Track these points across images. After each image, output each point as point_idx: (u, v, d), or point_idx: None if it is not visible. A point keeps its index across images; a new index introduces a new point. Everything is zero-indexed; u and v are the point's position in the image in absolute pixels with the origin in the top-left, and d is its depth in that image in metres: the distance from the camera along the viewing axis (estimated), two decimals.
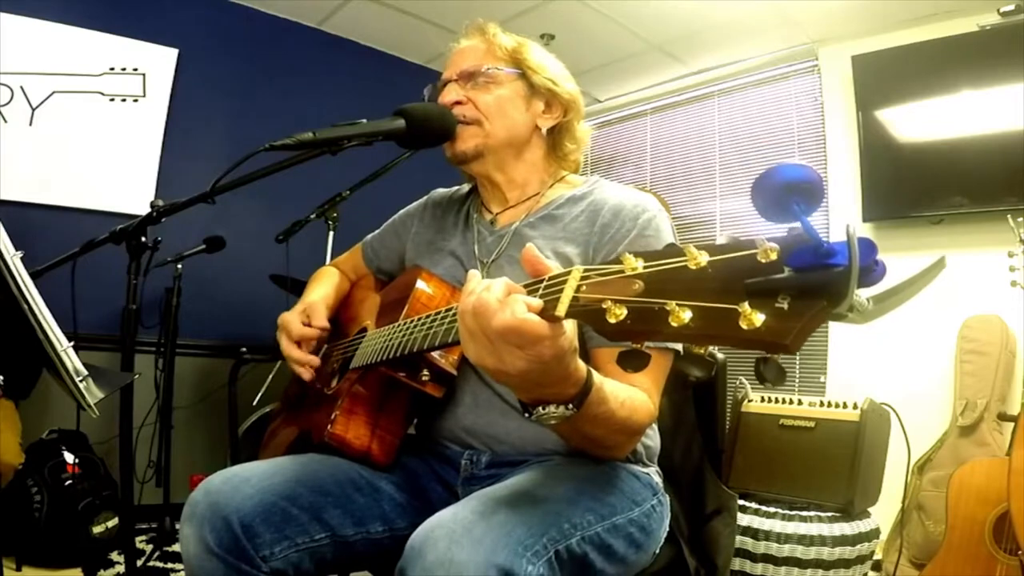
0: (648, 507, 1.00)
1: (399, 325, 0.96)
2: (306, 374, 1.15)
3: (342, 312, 1.34)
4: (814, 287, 0.43)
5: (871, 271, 0.44)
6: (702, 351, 0.53)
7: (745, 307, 0.45)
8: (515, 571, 0.72)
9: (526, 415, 0.77)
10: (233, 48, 3.36)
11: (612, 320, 0.53)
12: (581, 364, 0.75)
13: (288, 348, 1.17)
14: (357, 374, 1.04)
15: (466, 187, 1.30)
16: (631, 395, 0.88)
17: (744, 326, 0.45)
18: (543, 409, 0.74)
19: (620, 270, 0.54)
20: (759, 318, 0.44)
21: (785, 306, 0.44)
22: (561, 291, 0.60)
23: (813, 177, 0.46)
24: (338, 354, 1.20)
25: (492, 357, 0.67)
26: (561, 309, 0.59)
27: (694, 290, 0.49)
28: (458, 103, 1.11)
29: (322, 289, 1.32)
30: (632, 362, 0.56)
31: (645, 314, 0.51)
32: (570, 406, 0.75)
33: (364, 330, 1.17)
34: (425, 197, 1.34)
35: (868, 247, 0.43)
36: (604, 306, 0.54)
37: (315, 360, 1.17)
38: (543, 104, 1.15)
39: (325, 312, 1.21)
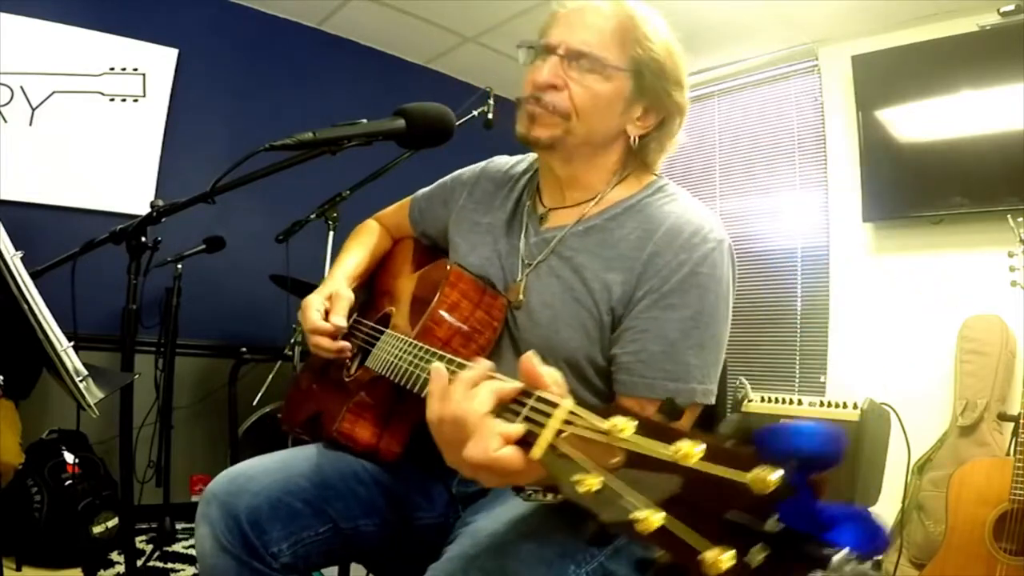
0: None
1: (409, 347, 0.93)
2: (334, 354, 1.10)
3: (378, 278, 1.30)
4: (797, 557, 0.38)
5: (867, 558, 0.38)
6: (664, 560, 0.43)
7: (713, 552, 0.39)
8: None
9: (515, 492, 0.71)
10: (233, 48, 3.36)
11: (580, 489, 0.48)
12: None
13: (311, 338, 1.11)
14: (371, 373, 1.04)
15: (528, 160, 1.18)
16: None
17: (708, 561, 0.39)
18: (531, 493, 0.69)
19: (610, 428, 0.49)
20: (724, 564, 0.39)
21: (757, 564, 0.39)
22: (543, 426, 0.55)
23: (827, 451, 0.40)
24: (361, 336, 1.17)
25: (466, 470, 0.61)
26: (537, 452, 0.55)
27: (670, 494, 0.43)
28: (553, 87, 0.95)
29: (355, 256, 1.24)
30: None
31: (613, 502, 0.46)
32: (559, 495, 0.68)
33: (388, 316, 1.16)
34: (483, 164, 1.23)
35: (872, 536, 0.38)
36: (577, 475, 0.48)
37: (343, 347, 1.11)
38: (641, 109, 1.00)
39: (347, 304, 1.13)
